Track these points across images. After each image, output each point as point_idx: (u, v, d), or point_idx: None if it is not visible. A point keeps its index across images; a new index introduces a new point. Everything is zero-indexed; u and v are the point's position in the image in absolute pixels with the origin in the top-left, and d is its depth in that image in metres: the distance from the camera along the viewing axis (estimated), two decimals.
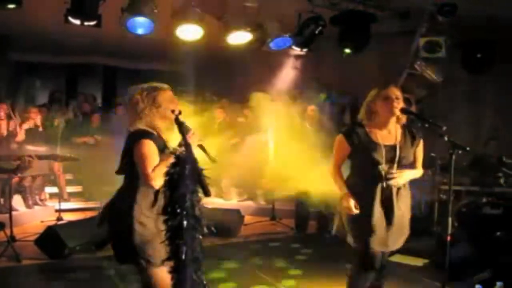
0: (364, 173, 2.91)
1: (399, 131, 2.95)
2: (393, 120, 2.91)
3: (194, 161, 2.09)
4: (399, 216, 2.88)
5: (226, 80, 9.87)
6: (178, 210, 2.12)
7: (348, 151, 2.94)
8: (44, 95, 9.76)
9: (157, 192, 2.39)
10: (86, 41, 7.85)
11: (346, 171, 3.05)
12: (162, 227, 2.18)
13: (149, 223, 2.38)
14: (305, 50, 6.20)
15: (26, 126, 6.60)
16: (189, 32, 5.38)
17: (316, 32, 5.92)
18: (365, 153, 2.86)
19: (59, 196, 6.73)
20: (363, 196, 2.85)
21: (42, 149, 6.57)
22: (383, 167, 2.83)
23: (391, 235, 2.86)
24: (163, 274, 2.33)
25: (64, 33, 6.88)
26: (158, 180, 2.27)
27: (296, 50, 6.23)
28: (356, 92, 7.57)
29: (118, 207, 2.46)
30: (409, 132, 2.97)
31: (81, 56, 9.95)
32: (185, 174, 2.12)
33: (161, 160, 2.33)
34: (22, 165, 3.89)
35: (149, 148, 2.34)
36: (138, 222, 2.37)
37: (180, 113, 2.30)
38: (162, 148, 2.42)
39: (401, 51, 6.70)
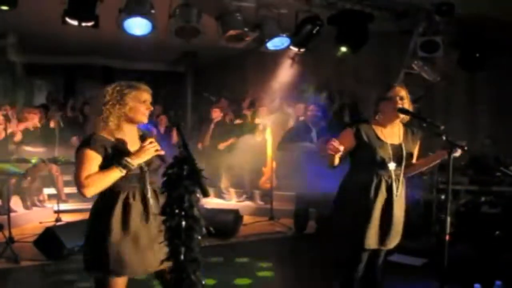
0: (367, 170, 2.90)
1: (401, 130, 2.98)
2: (397, 119, 2.91)
3: (192, 162, 2.08)
4: (397, 215, 2.91)
5: (224, 80, 9.88)
6: (177, 211, 2.12)
7: (352, 145, 2.91)
8: (42, 96, 9.74)
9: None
10: (84, 41, 7.83)
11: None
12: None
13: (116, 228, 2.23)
14: (302, 49, 6.18)
15: (23, 126, 6.59)
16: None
17: (314, 31, 5.91)
18: (370, 150, 2.86)
19: (57, 197, 6.71)
20: (365, 193, 2.85)
21: (40, 150, 6.58)
22: (390, 165, 2.85)
23: (389, 232, 2.88)
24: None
25: (62, 34, 6.87)
26: (91, 189, 2.15)
27: (294, 50, 6.21)
28: (354, 91, 7.59)
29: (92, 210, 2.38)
30: (410, 130, 3.00)
31: (79, 57, 9.94)
32: (183, 175, 2.11)
33: (102, 169, 2.19)
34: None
35: (86, 155, 2.18)
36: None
37: (177, 115, 2.26)
38: (115, 152, 2.23)
39: (398, 51, 6.71)
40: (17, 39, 7.55)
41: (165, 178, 2.15)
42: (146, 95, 2.34)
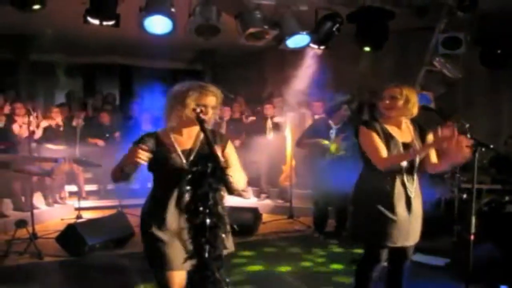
0: (381, 173, 2.84)
1: (411, 127, 2.94)
2: (397, 118, 2.88)
3: (216, 159, 2.09)
4: (415, 213, 2.88)
5: (242, 78, 9.89)
6: (201, 208, 2.14)
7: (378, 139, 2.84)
8: (62, 95, 9.87)
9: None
10: (103, 41, 7.92)
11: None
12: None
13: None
14: (322, 47, 6.16)
15: (45, 124, 6.70)
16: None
17: (334, 29, 5.88)
18: (385, 146, 2.82)
19: (78, 195, 6.82)
20: (381, 192, 2.82)
21: (61, 148, 6.68)
22: (404, 165, 2.82)
23: (408, 230, 2.85)
24: None
25: (82, 33, 6.96)
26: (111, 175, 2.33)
27: (314, 48, 6.18)
28: (373, 89, 7.53)
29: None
30: (419, 126, 2.97)
31: (98, 56, 10.05)
32: (208, 172, 2.12)
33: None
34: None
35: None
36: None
37: (201, 111, 2.22)
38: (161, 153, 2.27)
39: (418, 48, 6.63)
40: (38, 38, 7.68)
41: (189, 176, 2.16)
42: (213, 100, 2.31)
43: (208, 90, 2.30)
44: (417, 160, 2.88)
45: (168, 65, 10.67)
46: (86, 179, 7.52)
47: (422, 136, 2.94)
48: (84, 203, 6.83)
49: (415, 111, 2.86)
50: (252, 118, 8.01)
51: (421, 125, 2.98)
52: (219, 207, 2.17)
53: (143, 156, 2.11)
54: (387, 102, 2.85)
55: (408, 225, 2.84)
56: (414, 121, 2.96)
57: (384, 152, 2.80)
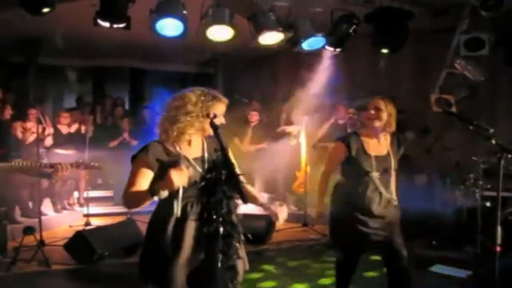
0: (355, 182, 3.10)
1: (388, 140, 3.15)
2: (377, 129, 3.09)
3: (231, 166, 2.07)
4: (389, 219, 3.10)
5: (255, 82, 9.89)
6: (215, 217, 2.12)
7: (343, 158, 3.15)
8: (71, 99, 9.97)
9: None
10: (112, 43, 7.98)
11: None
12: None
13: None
14: (338, 50, 6.13)
15: (51, 131, 6.75)
16: (219, 34, 5.36)
17: (350, 31, 5.85)
18: (357, 162, 3.07)
19: (86, 200, 6.86)
20: (353, 200, 3.08)
21: (70, 153, 6.73)
22: (375, 175, 3.05)
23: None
24: None
25: (91, 36, 7.03)
26: (126, 205, 2.23)
27: (329, 50, 6.15)
28: (390, 93, 7.46)
29: None
30: (397, 139, 3.19)
31: (107, 59, 10.14)
32: (222, 180, 2.11)
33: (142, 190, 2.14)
34: (58, 172, 4.00)
35: (136, 168, 2.21)
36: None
37: (215, 116, 2.19)
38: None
39: (439, 50, 6.56)
40: (47, 42, 7.76)
41: (203, 183, 2.15)
42: (223, 108, 2.33)
43: (221, 98, 2.32)
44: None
45: (179, 68, 10.73)
46: (98, 185, 7.59)
47: (398, 150, 3.19)
48: (93, 210, 6.87)
49: (394, 125, 3.10)
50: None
51: (399, 138, 3.20)
52: (233, 215, 2.16)
53: (184, 177, 2.04)
54: (372, 112, 3.07)
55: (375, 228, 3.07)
56: (393, 134, 3.16)
57: (329, 170, 3.29)
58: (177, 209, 2.08)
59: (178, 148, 2.25)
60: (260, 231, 5.59)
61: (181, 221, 2.18)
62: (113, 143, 7.52)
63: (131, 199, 2.18)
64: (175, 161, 2.13)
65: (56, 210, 6.74)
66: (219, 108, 2.29)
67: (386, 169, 3.08)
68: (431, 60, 6.89)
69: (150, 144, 2.24)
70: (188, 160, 2.23)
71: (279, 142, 7.16)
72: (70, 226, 6.27)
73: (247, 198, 1.99)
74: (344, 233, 3.14)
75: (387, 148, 3.14)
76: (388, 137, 3.16)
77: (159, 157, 2.20)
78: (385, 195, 3.07)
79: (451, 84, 6.31)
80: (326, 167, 3.32)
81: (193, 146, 2.32)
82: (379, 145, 3.13)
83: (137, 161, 2.21)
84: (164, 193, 2.03)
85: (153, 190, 2.06)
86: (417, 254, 4.86)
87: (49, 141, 6.71)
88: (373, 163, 3.06)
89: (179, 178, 1.99)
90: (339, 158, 3.18)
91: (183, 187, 2.07)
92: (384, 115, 3.05)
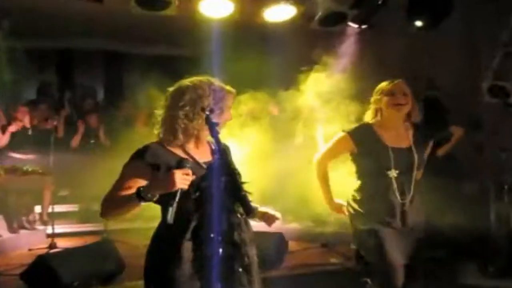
0: (371, 181, 3.17)
1: (410, 132, 3.20)
2: (400, 119, 3.17)
3: (231, 172, 2.08)
4: (413, 225, 3.15)
5: (258, 66, 9.89)
6: (212, 235, 2.13)
7: (347, 151, 3.26)
8: (31, 88, 9.98)
9: None
10: (80, 19, 7.99)
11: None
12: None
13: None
14: (364, 26, 6.14)
15: (13, 128, 6.76)
16: (215, 9, 5.34)
17: (379, 2, 5.86)
18: (371, 157, 3.13)
19: (50, 217, 6.85)
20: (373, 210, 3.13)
21: (31, 157, 6.74)
22: (393, 174, 3.08)
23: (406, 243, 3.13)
24: None
25: (57, 11, 7.04)
26: (104, 214, 2.24)
27: (353, 27, 6.16)
28: (431, 78, 7.46)
29: None
30: (420, 132, 3.24)
31: (75, 40, 10.14)
32: (220, 189, 2.12)
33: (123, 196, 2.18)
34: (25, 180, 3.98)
35: (125, 171, 2.26)
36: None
37: (212, 111, 2.21)
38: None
39: (493, 23, 6.55)
40: (7, 21, 7.78)
41: (197, 194, 2.16)
42: (231, 101, 2.42)
43: (230, 89, 2.37)
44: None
45: (165, 51, 10.73)
46: (62, 197, 7.58)
47: (424, 145, 3.22)
48: (60, 228, 6.87)
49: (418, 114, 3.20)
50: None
51: (424, 132, 3.25)
52: (236, 233, 2.17)
53: (188, 182, 2.09)
54: (400, 98, 3.09)
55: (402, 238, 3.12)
56: (415, 124, 3.23)
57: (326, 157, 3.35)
58: (171, 215, 2.09)
59: (187, 151, 2.29)
60: (268, 252, 5.56)
61: (173, 240, 2.19)
62: (75, 141, 7.55)
63: (110, 203, 2.20)
64: (180, 161, 2.16)
65: (12, 230, 6.71)
66: (230, 101, 2.36)
67: (406, 166, 3.12)
68: (482, 37, 6.88)
69: (147, 147, 2.26)
70: (199, 164, 2.25)
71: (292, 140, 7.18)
72: (30, 250, 6.27)
73: (252, 210, 2.00)
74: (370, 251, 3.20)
75: (409, 140, 3.18)
76: (411, 129, 3.23)
77: (160, 163, 2.22)
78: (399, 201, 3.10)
79: (508, 68, 6.30)
80: (324, 154, 3.38)
81: (202, 148, 2.36)
82: (398, 137, 3.18)
83: (129, 167, 2.23)
84: (154, 196, 2.06)
85: (140, 189, 2.07)
86: (471, 285, 4.89)
87: (5, 140, 6.73)
88: (391, 158, 3.09)
89: (183, 181, 2.04)
90: (339, 150, 3.31)
91: (180, 193, 2.09)
92: (410, 102, 3.13)
